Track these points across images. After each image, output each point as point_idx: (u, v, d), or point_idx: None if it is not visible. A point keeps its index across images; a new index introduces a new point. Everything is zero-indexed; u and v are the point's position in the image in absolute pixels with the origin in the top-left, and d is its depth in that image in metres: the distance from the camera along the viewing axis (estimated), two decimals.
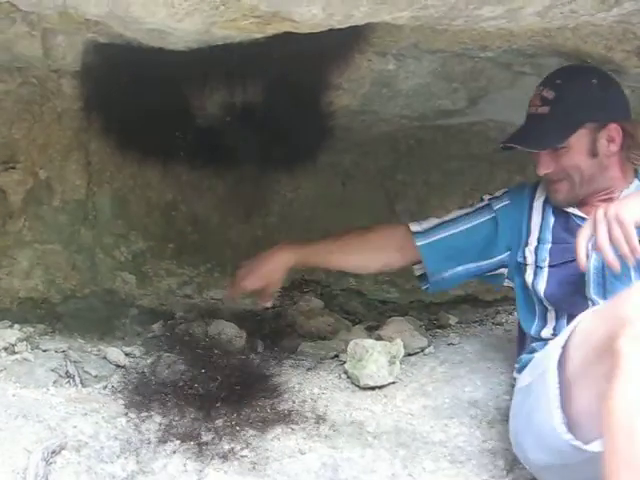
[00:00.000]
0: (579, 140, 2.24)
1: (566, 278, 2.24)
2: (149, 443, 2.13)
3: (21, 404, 2.19)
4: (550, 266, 2.30)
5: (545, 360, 1.99)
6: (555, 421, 1.87)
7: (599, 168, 2.27)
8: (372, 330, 2.88)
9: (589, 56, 2.41)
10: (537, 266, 2.32)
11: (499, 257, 2.46)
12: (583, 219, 2.25)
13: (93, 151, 2.90)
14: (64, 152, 2.85)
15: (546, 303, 2.28)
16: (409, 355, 2.68)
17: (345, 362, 2.57)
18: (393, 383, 2.50)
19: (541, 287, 2.28)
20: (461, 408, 2.40)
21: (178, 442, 2.13)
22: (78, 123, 2.80)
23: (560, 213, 2.35)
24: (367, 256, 2.63)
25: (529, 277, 2.34)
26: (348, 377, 2.54)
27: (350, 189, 3.36)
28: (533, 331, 2.31)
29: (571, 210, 2.33)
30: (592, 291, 2.19)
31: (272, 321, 2.95)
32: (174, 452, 2.10)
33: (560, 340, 1.96)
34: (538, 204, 2.41)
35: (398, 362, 2.55)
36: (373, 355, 2.50)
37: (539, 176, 2.37)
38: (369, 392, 2.46)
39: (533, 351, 2.24)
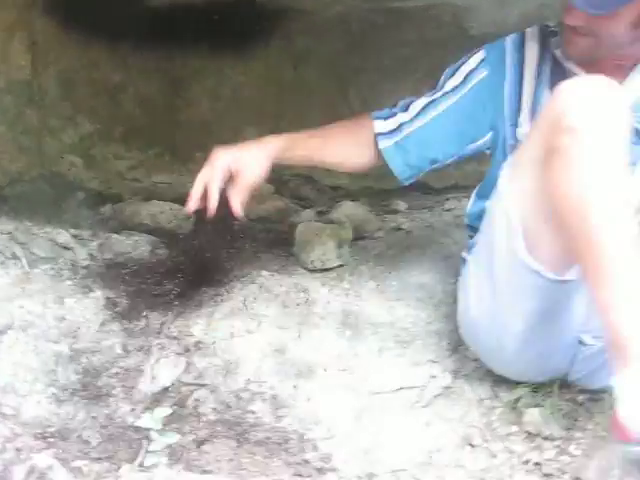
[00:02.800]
0: (631, 8, 1.89)
1: None
2: (95, 322, 2.13)
3: None
4: None
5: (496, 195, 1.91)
6: (516, 244, 1.80)
7: (632, 39, 1.93)
8: (322, 215, 2.89)
9: None
10: None
11: (482, 140, 2.18)
12: None
13: (38, 30, 2.82)
14: (8, 31, 2.77)
15: None
16: (358, 239, 2.69)
17: (294, 245, 2.58)
18: (341, 266, 2.52)
19: None
20: (408, 291, 2.43)
21: (125, 321, 2.14)
22: (21, 1, 2.71)
23: (558, 78, 1.94)
24: (350, 150, 2.27)
25: None
26: (297, 260, 2.55)
27: (302, 73, 3.31)
28: None
29: (576, 70, 2.02)
30: None
31: (221, 205, 2.92)
32: (120, 330, 2.11)
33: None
34: (530, 69, 2.10)
35: (347, 245, 2.56)
36: (321, 238, 2.52)
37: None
38: (317, 274, 2.49)
39: None
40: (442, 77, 2.22)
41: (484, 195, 2.10)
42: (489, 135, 2.17)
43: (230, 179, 2.16)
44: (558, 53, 2.06)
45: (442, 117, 2.16)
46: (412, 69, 3.31)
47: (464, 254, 2.20)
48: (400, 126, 2.19)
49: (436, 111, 2.17)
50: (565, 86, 1.72)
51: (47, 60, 2.83)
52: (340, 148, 2.26)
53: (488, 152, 2.21)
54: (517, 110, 2.10)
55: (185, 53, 2.92)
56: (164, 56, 2.91)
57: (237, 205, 2.16)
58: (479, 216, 2.10)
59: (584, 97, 1.67)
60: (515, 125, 2.10)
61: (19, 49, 2.76)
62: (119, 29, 2.69)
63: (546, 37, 2.10)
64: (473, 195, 2.26)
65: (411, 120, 2.18)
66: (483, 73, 2.14)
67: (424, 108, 2.18)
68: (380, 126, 2.21)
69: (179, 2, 2.71)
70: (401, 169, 2.21)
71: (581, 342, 1.92)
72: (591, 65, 1.98)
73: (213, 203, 2.14)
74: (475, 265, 2.02)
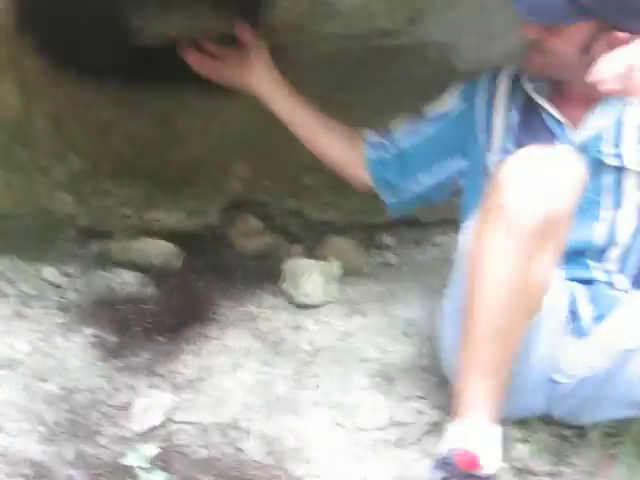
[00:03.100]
0: (580, 29, 1.95)
1: None
2: (84, 361, 2.14)
3: None
4: None
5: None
6: None
7: (584, 65, 1.88)
8: (311, 250, 2.90)
9: None
10: None
11: (455, 169, 2.30)
12: (555, 121, 2.07)
13: (27, 69, 2.83)
14: None
15: None
16: (346, 275, 2.70)
17: (283, 282, 2.59)
18: (330, 302, 2.54)
19: None
20: (396, 326, 2.45)
21: (113, 359, 2.15)
22: (11, 40, 2.72)
23: (528, 110, 2.12)
24: (335, 141, 2.44)
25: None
26: (285, 296, 2.56)
27: None
28: None
29: (543, 103, 2.09)
30: None
31: (211, 241, 2.95)
32: (109, 369, 2.12)
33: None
34: (500, 100, 2.19)
35: (335, 282, 2.58)
36: (310, 275, 2.53)
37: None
38: (305, 311, 2.50)
39: None
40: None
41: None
42: (463, 161, 2.28)
43: None
44: (529, 87, 2.13)
45: (423, 142, 2.32)
46: (400, 104, 3.33)
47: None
48: (385, 143, 2.37)
49: (418, 135, 2.33)
50: (509, 161, 1.79)
51: (37, 98, 2.83)
52: (336, 142, 2.43)
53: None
54: (489, 137, 2.19)
55: (174, 89, 2.92)
56: (153, 93, 2.92)
57: None
58: None
59: (520, 178, 1.72)
60: (488, 150, 2.18)
61: (8, 88, 2.76)
62: (107, 66, 2.70)
63: (521, 72, 2.18)
64: None
65: (396, 140, 2.35)
66: (459, 105, 2.28)
67: (407, 132, 2.34)
68: (370, 141, 2.40)
69: (167, 39, 2.72)
70: (384, 186, 2.36)
71: (554, 381, 1.95)
72: (560, 98, 2.07)
73: None
74: (449, 301, 2.04)
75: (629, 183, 2.00)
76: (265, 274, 2.73)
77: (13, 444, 1.82)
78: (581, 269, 2.03)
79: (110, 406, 2.01)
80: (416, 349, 2.35)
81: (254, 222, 3.13)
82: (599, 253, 2.03)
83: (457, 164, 2.30)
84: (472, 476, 1.74)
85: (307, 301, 2.50)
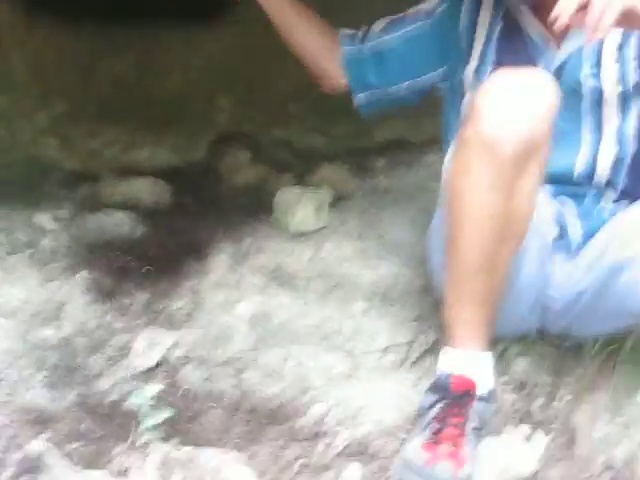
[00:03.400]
0: None
1: None
2: (81, 304, 2.14)
3: None
4: None
5: None
6: None
7: None
8: (301, 178, 2.89)
9: None
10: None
11: (433, 73, 2.21)
12: (538, 35, 1.97)
13: (3, 15, 2.80)
14: None
15: None
16: (338, 201, 2.69)
17: (275, 212, 2.59)
18: (322, 229, 2.54)
19: None
20: (390, 249, 2.44)
21: (110, 301, 2.16)
22: None
23: (510, 25, 2.02)
24: (313, 32, 2.26)
25: (466, 99, 2.09)
26: (278, 226, 2.56)
27: (272, 37, 3.27)
28: None
29: (525, 19, 1.99)
30: None
31: (200, 176, 2.94)
32: (106, 310, 2.12)
33: None
34: (487, 5, 2.07)
35: (326, 208, 2.57)
36: (301, 202, 2.52)
37: None
38: (299, 239, 2.50)
39: None
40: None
41: (447, 142, 2.11)
42: (443, 68, 2.19)
43: None
44: None
45: (402, 39, 2.19)
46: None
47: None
48: (363, 37, 2.23)
49: (397, 32, 2.20)
50: (483, 88, 1.73)
51: (13, 46, 2.80)
52: (313, 33, 2.25)
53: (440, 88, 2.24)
54: (471, 42, 2.10)
55: (152, 26, 2.89)
56: (130, 32, 2.89)
57: None
58: None
59: (495, 105, 1.67)
60: (468, 57, 2.09)
61: None
62: (82, 8, 2.66)
63: None
64: None
65: (374, 35, 2.22)
66: (444, 5, 2.16)
67: (386, 28, 2.22)
68: (345, 33, 2.26)
69: None
70: (359, 86, 2.26)
71: (548, 298, 1.95)
72: (544, 10, 1.88)
73: None
74: (438, 218, 2.03)
75: (609, 103, 1.97)
76: (257, 205, 2.73)
77: (15, 391, 1.84)
78: (568, 186, 2.01)
79: (110, 347, 2.02)
80: (411, 271, 2.34)
81: (242, 154, 3.12)
82: (585, 177, 2.01)
83: (437, 70, 2.20)
84: (467, 396, 1.76)
85: (300, 229, 2.50)
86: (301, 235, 2.50)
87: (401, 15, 2.22)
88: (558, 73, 1.92)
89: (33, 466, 1.56)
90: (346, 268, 2.37)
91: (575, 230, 1.95)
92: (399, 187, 2.85)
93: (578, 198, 1.99)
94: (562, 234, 1.95)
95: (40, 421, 1.74)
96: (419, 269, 2.35)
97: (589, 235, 1.94)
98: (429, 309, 2.20)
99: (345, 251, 2.45)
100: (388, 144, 3.34)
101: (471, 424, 1.73)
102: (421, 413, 1.79)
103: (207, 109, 3.17)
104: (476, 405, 1.76)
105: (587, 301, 1.92)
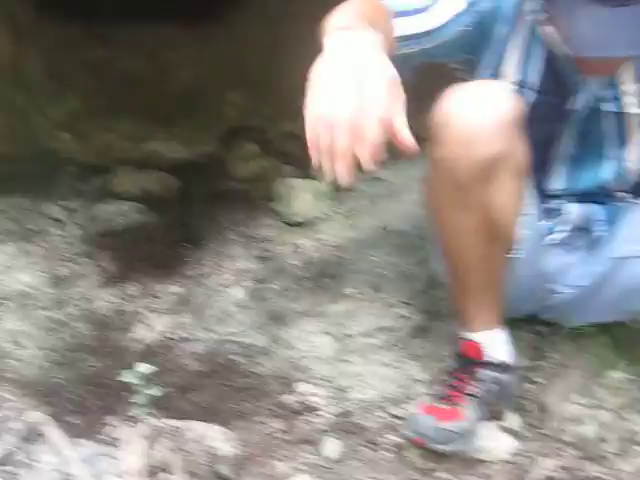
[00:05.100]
0: None
1: None
2: (88, 289, 2.27)
3: None
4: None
5: None
6: None
7: None
8: (303, 170, 2.98)
9: None
10: None
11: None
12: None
13: (16, 15, 2.92)
14: None
15: None
16: (337, 191, 2.78)
17: (276, 202, 2.70)
18: (321, 219, 2.65)
19: None
20: (385, 238, 2.53)
21: (115, 286, 2.28)
22: None
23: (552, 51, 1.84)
24: None
25: None
26: (278, 216, 2.68)
27: (281, 31, 3.34)
28: None
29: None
30: None
31: (209, 169, 3.04)
32: (110, 295, 2.25)
33: None
34: (524, 22, 1.84)
35: (326, 198, 2.67)
36: (300, 193, 2.63)
37: None
38: (297, 228, 2.62)
39: None
40: None
41: None
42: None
43: None
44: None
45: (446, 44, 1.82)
46: None
47: None
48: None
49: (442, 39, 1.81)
50: (441, 103, 1.67)
51: (28, 43, 2.92)
52: None
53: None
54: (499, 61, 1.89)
55: (161, 24, 3.01)
56: (141, 30, 3.01)
57: None
58: None
59: (454, 125, 1.64)
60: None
61: (1, 33, 2.86)
62: (93, 6, 2.78)
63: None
64: None
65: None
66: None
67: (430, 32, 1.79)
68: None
69: None
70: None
71: (552, 291, 2.01)
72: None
73: None
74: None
75: (632, 123, 1.88)
76: (260, 196, 2.84)
77: (24, 369, 1.98)
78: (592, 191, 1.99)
79: (111, 329, 2.14)
80: (402, 259, 2.44)
81: (250, 147, 3.22)
82: (613, 189, 1.98)
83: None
84: (473, 362, 1.86)
85: (298, 219, 2.61)
86: (298, 224, 2.61)
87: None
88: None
89: (30, 436, 1.67)
90: (342, 257, 2.46)
91: (597, 229, 1.98)
92: (398, 178, 2.92)
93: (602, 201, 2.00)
94: (583, 233, 1.98)
95: (40, 395, 1.86)
96: (412, 257, 2.44)
97: (612, 231, 1.96)
98: (417, 295, 2.30)
99: (342, 241, 2.54)
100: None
101: (473, 389, 1.84)
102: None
103: (217, 103, 3.28)
104: (482, 372, 1.85)
105: (588, 294, 1.97)
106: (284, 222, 2.64)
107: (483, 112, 1.64)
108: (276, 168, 3.08)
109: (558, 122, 1.88)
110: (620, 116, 1.87)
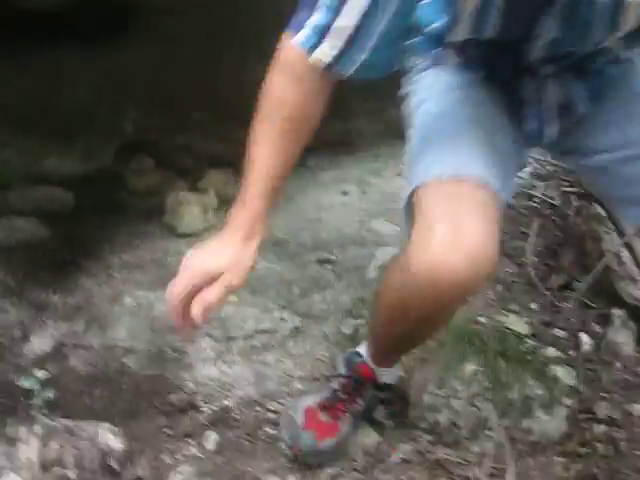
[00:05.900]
0: None
1: None
2: None
3: None
4: None
5: None
6: None
7: None
8: (193, 183, 3.17)
9: None
10: None
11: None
12: None
13: None
14: None
15: None
16: (223, 204, 2.96)
17: (166, 215, 2.89)
18: (207, 230, 2.83)
19: None
20: (265, 247, 2.72)
21: (12, 298, 2.44)
22: None
23: None
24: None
25: None
26: (168, 228, 2.88)
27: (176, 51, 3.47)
28: None
29: None
30: None
31: (104, 183, 3.18)
32: (8, 306, 2.42)
33: None
34: None
35: (212, 211, 2.87)
36: (188, 206, 2.83)
37: None
38: (185, 239, 2.80)
39: None
40: None
41: None
42: None
43: None
44: None
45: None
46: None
47: None
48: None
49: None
50: (421, 217, 1.57)
51: None
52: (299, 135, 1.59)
53: None
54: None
55: (56, 47, 3.11)
56: (36, 51, 3.11)
57: None
58: None
59: (431, 246, 1.52)
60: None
61: None
62: None
63: None
64: None
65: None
66: None
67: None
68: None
69: (44, 4, 2.92)
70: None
71: None
72: None
73: None
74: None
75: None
76: (152, 209, 3.01)
77: None
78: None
79: (10, 337, 2.30)
80: (282, 266, 2.66)
81: (146, 161, 3.37)
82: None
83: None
84: (365, 383, 2.08)
85: (186, 230, 2.82)
86: (186, 236, 2.81)
87: None
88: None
89: None
90: None
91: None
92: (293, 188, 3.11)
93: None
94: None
95: None
96: (290, 263, 2.67)
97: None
98: (294, 298, 2.52)
99: None
100: None
101: (356, 406, 2.06)
102: (332, 375, 2.18)
103: (113, 119, 3.40)
104: (370, 391, 2.09)
105: None
106: (172, 233, 2.83)
107: (466, 267, 1.50)
108: (168, 182, 3.24)
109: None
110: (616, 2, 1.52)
